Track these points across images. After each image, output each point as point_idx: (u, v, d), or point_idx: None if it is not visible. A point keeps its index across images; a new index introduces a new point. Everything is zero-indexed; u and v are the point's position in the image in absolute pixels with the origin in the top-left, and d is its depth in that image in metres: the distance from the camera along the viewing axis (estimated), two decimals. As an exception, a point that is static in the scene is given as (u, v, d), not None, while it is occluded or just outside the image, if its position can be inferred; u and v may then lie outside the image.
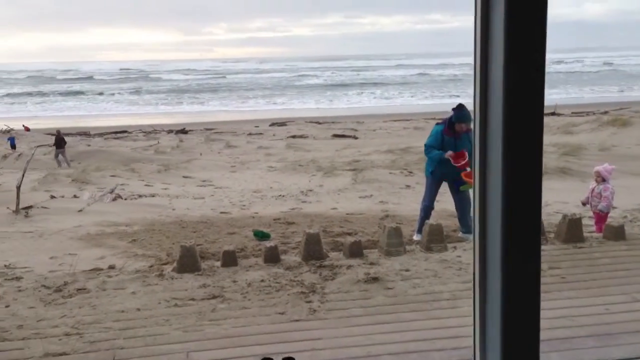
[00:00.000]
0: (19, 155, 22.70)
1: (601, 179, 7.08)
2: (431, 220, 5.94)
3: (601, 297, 4.60)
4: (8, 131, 28.85)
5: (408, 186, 14.35)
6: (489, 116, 1.48)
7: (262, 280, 5.11)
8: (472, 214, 6.53)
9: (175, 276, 5.22)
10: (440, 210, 11.33)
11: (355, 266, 5.38)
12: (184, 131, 31.49)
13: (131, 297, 4.79)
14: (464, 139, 7.18)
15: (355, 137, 35.31)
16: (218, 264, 5.57)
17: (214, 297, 4.77)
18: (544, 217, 10.16)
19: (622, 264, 5.42)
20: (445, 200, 12.59)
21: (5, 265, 6.41)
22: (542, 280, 4.48)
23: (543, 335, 1.63)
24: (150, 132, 32.52)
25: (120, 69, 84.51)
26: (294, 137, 32.51)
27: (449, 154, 7.09)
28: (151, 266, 5.61)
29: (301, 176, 16.94)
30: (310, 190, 13.87)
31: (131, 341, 4.05)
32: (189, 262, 5.28)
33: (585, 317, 4.31)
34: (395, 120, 41.04)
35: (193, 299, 4.74)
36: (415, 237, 7.33)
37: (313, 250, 5.52)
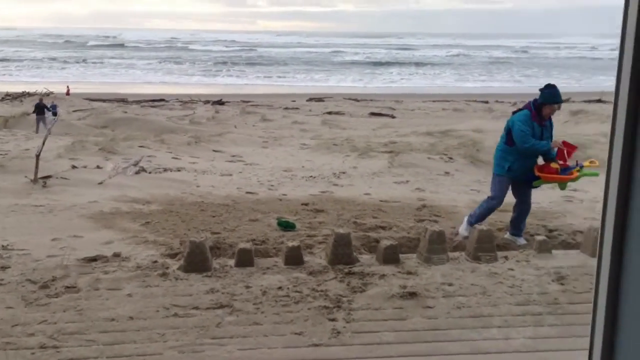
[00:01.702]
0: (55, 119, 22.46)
1: None
2: (481, 225, 5.12)
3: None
4: (48, 94, 28.72)
5: (447, 173, 13.48)
6: None
7: (280, 288, 4.39)
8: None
9: (180, 276, 4.53)
10: (481, 201, 10.46)
11: (390, 275, 4.61)
12: (220, 102, 31.09)
13: (125, 300, 4.11)
14: (548, 127, 6.36)
15: (393, 117, 34.58)
16: (232, 262, 4.86)
17: (222, 306, 4.07)
18: (595, 215, 9.11)
19: None
20: (488, 191, 11.71)
21: (2, 246, 5.84)
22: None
23: None
24: (188, 101, 32.19)
25: (162, 38, 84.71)
26: (330, 113, 31.92)
27: (557, 143, 6.30)
28: (155, 262, 4.92)
29: (335, 156, 16.17)
30: (343, 173, 13.11)
31: (116, 361, 3.38)
32: (197, 260, 4.58)
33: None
34: (434, 101, 40.05)
35: (197, 308, 4.04)
36: (463, 231, 6.55)
37: (342, 254, 4.76)
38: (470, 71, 51.41)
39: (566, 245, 6.41)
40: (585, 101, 39.59)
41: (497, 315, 4.01)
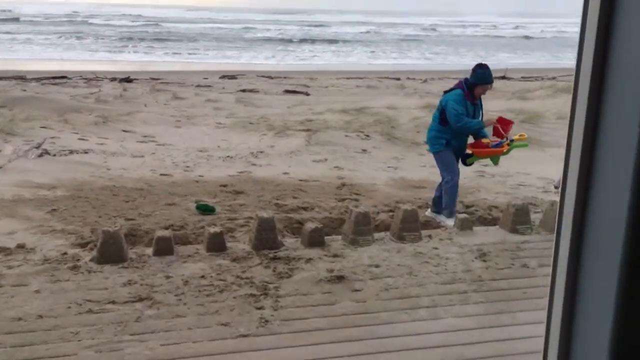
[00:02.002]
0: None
1: None
2: (405, 205, 5.11)
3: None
4: None
5: (364, 150, 13.57)
6: (609, 83, 1.11)
7: (203, 277, 4.19)
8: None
9: (93, 268, 4.23)
10: (399, 178, 10.59)
11: (316, 259, 4.52)
12: (128, 80, 29.76)
13: (33, 297, 3.79)
14: (479, 105, 6.46)
15: (307, 94, 34.43)
16: (149, 251, 4.60)
17: (141, 299, 3.83)
18: (506, 190, 9.36)
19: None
20: (405, 167, 11.87)
21: None
22: (532, 282, 3.55)
23: None
24: (92, 79, 30.58)
25: (61, 12, 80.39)
26: (244, 91, 31.36)
27: (490, 121, 6.39)
28: (64, 254, 4.58)
29: (251, 135, 15.90)
30: (261, 152, 12.90)
31: (25, 365, 3.09)
32: (111, 250, 4.29)
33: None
34: (347, 78, 40.31)
35: (113, 302, 3.78)
36: (449, 223, 6.42)
37: (266, 239, 4.62)
38: (381, 48, 52.04)
39: (483, 221, 6.56)
40: (490, 78, 40.88)
41: (425, 295, 4.01)
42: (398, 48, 53.05)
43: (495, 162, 6.68)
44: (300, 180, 9.95)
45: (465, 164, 6.69)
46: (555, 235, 1.25)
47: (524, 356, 3.17)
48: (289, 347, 3.34)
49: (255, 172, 10.65)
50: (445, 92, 6.50)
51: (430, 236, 5.08)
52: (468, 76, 6.44)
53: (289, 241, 4.95)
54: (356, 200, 8.23)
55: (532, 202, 7.38)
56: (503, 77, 41.65)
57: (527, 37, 58.01)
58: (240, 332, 3.47)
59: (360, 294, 4.00)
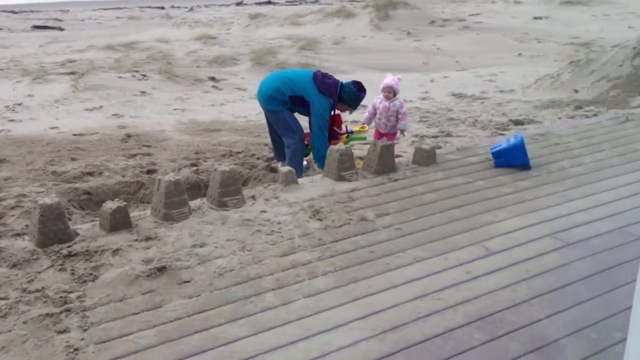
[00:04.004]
0: None
1: (393, 94, 6.17)
2: (222, 165, 4.35)
3: (454, 252, 3.68)
4: None
5: (143, 92, 12.33)
6: None
7: (-28, 298, 3.09)
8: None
9: None
10: (189, 122, 9.72)
11: (125, 248, 3.62)
12: None
13: None
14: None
15: (61, 29, 31.40)
16: None
17: None
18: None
19: (454, 197, 4.59)
20: (192, 108, 10.96)
21: None
22: (375, 237, 3.11)
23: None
24: None
25: None
26: (-18, 29, 27.33)
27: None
28: None
29: (2, 83, 13.54)
30: (19, 104, 11.01)
31: None
32: None
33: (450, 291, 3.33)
34: (105, 9, 37.14)
35: None
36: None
37: (54, 230, 3.57)
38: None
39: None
40: (257, 4, 40.85)
41: (267, 274, 3.42)
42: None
43: None
44: (75, 135, 8.61)
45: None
46: None
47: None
48: (116, 383, 2.54)
49: (16, 129, 8.99)
50: (317, 82, 5.76)
51: (253, 197, 4.45)
52: (342, 83, 5.94)
53: (84, 227, 3.95)
54: (149, 155, 7.27)
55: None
56: (269, 3, 41.55)
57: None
58: (43, 375, 2.56)
59: (190, 287, 3.27)
